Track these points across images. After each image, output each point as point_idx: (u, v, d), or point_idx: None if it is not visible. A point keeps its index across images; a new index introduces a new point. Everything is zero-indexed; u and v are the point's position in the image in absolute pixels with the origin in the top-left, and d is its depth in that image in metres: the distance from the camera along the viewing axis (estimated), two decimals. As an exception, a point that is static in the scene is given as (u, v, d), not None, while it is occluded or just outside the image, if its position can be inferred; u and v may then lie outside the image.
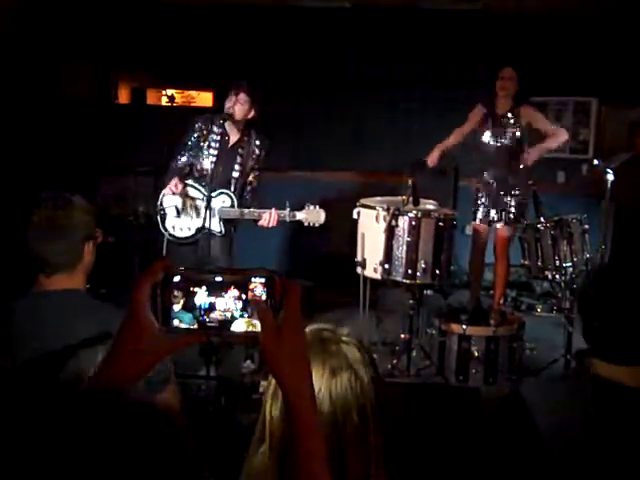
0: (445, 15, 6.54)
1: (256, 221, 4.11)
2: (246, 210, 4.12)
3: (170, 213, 4.26)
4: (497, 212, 4.87)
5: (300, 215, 4.08)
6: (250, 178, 4.27)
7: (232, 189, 4.16)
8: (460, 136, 5.01)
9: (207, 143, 4.18)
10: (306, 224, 4.10)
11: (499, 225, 4.84)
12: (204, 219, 4.02)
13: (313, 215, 4.08)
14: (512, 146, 4.80)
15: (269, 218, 4.03)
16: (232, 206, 4.14)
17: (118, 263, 5.96)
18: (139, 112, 7.02)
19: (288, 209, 4.05)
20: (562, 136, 4.82)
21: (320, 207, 4.10)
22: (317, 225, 4.11)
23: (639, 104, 6.05)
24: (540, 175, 4.93)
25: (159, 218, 4.29)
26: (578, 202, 5.67)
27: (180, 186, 4.13)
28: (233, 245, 4.32)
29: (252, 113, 4.17)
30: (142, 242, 5.98)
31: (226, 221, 4.17)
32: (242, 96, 4.10)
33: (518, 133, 4.80)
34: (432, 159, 4.87)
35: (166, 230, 4.26)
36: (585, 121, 6.68)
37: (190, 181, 4.23)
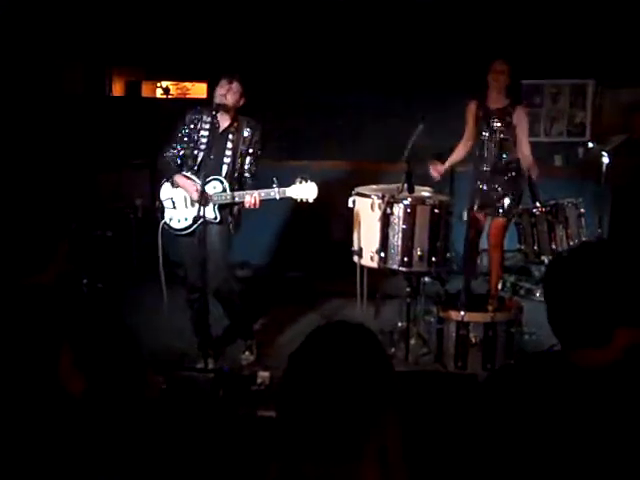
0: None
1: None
2: (236, 193, 4.12)
3: (167, 205, 4.28)
4: (493, 202, 4.86)
5: (290, 191, 4.01)
6: (247, 166, 4.26)
7: (223, 174, 4.16)
8: (466, 146, 5.02)
9: (199, 133, 4.21)
10: (298, 200, 4.03)
11: (495, 216, 4.84)
12: (198, 208, 4.00)
13: (304, 190, 4.01)
14: (506, 137, 4.82)
15: (250, 200, 4.03)
16: (224, 191, 4.14)
17: (116, 257, 5.97)
18: (134, 104, 6.99)
19: (276, 186, 4.01)
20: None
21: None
22: (311, 200, 4.02)
23: (636, 86, 6.02)
24: (537, 158, 4.91)
25: (159, 210, 4.32)
26: (575, 185, 5.64)
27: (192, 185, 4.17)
28: (231, 233, 4.30)
29: (242, 101, 4.22)
30: (140, 236, 5.97)
31: (221, 207, 4.16)
32: (235, 85, 4.16)
33: (510, 122, 4.81)
34: (438, 170, 4.87)
35: (164, 221, 4.27)
36: (581, 103, 6.63)
37: (184, 172, 4.24)
